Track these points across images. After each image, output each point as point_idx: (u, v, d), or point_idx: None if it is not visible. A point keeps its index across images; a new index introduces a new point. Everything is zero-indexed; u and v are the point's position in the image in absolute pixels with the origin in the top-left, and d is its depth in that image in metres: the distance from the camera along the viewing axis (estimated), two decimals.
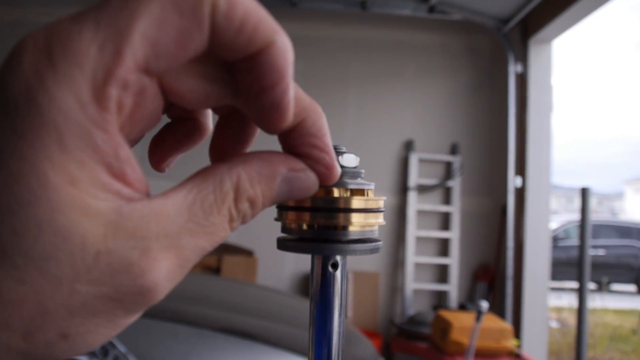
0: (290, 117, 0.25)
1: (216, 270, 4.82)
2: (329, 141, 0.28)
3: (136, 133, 0.24)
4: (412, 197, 4.95)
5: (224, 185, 0.24)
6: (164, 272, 0.23)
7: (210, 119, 0.31)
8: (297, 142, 0.27)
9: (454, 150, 5.05)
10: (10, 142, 0.20)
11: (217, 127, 0.31)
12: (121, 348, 1.77)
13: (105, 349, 1.74)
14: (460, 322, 3.28)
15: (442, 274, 5.03)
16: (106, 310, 0.22)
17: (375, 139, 5.04)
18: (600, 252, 10.71)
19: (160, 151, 0.31)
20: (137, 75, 0.22)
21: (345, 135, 4.99)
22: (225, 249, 4.90)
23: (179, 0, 0.22)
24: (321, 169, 0.28)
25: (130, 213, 0.22)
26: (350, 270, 4.88)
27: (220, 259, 4.82)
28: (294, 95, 0.25)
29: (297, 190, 0.27)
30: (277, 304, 2.97)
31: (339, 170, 0.29)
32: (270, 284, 4.48)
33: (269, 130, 0.26)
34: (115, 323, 0.23)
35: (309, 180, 0.28)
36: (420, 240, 4.97)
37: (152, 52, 0.21)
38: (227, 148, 0.30)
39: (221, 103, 0.26)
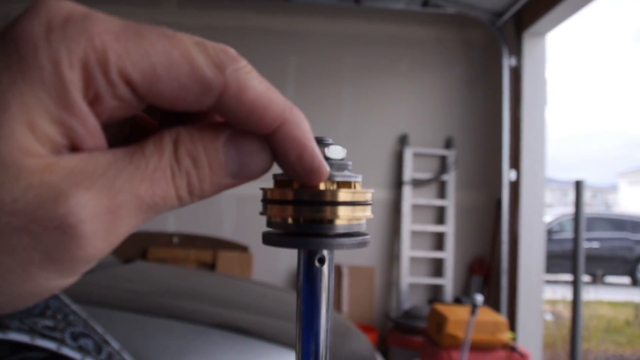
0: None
1: (211, 266, 4.81)
2: (312, 144, 0.27)
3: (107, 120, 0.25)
4: (407, 192, 4.95)
5: (163, 138, 0.25)
6: (90, 210, 0.22)
7: None
8: (279, 151, 0.27)
9: (448, 144, 5.05)
10: None
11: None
12: (115, 345, 1.76)
13: (98, 346, 1.73)
14: (456, 315, 3.29)
15: (437, 267, 5.04)
16: (22, 249, 0.22)
17: (370, 133, 5.03)
18: (595, 244, 10.76)
19: None
20: (122, 82, 0.23)
21: (340, 130, 4.98)
22: (221, 245, 4.90)
23: (198, 68, 0.24)
24: (307, 173, 0.28)
25: (70, 158, 0.23)
26: (346, 265, 4.89)
27: (216, 255, 4.81)
28: (274, 101, 0.25)
29: (246, 153, 0.26)
30: (273, 299, 2.97)
31: (326, 169, 0.28)
32: (266, 279, 4.48)
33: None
34: (29, 274, 0.22)
35: (256, 140, 0.26)
36: (415, 234, 4.98)
37: (147, 83, 0.23)
38: None
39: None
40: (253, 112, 0.25)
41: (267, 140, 0.26)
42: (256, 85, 0.25)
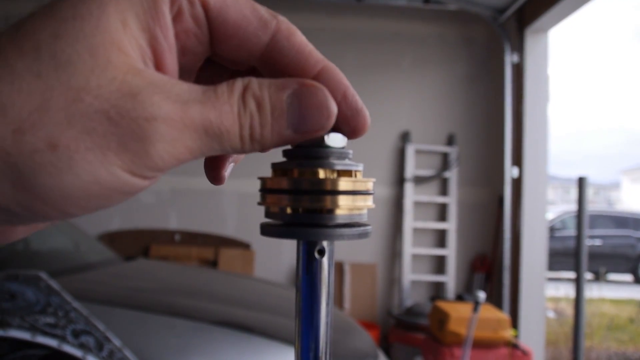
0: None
1: (213, 263, 4.81)
2: (351, 87, 0.30)
3: (181, 58, 0.29)
4: (409, 189, 4.94)
5: (236, 81, 0.27)
6: (164, 112, 0.25)
7: None
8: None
9: (450, 141, 5.04)
10: None
11: None
12: (116, 342, 1.76)
13: (100, 343, 1.73)
14: (458, 312, 3.28)
15: (439, 265, 5.03)
16: (101, 131, 0.24)
17: (372, 130, 5.01)
18: (597, 242, 10.74)
19: (216, 160, 0.33)
20: (199, 2, 0.27)
21: None
22: (223, 242, 4.90)
23: (258, 9, 0.28)
24: (354, 114, 0.30)
25: (152, 73, 0.25)
26: (348, 262, 4.88)
27: (218, 252, 4.81)
28: (314, 49, 0.30)
29: (308, 105, 0.28)
30: (275, 296, 2.96)
31: (368, 114, 0.30)
32: (268, 276, 4.47)
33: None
34: (106, 157, 0.24)
35: (320, 94, 0.28)
36: (417, 231, 4.97)
37: (218, 6, 0.28)
38: None
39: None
40: (300, 53, 0.29)
41: None
42: (301, 35, 0.29)
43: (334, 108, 0.28)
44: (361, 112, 0.30)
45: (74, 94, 0.23)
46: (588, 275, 9.27)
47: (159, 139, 0.24)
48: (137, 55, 0.25)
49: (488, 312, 3.30)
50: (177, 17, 0.27)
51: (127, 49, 0.25)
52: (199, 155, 0.26)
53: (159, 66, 0.27)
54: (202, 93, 0.26)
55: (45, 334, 1.72)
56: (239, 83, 0.27)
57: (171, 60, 0.27)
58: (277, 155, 0.31)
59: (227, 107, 0.26)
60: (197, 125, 0.25)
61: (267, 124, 0.27)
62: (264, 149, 0.28)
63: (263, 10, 0.28)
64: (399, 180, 5.00)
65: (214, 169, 0.34)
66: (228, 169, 0.34)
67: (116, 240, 4.81)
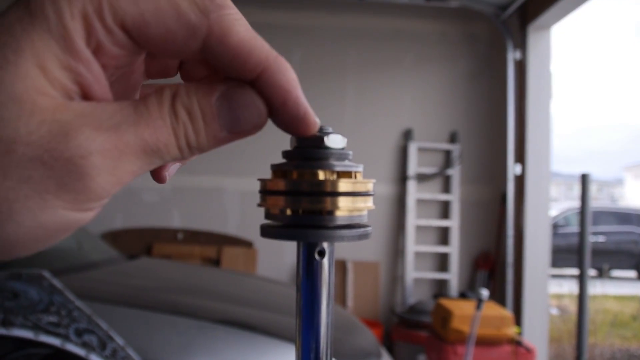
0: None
1: (216, 262, 4.81)
2: (297, 91, 0.28)
3: (113, 76, 0.28)
4: (412, 186, 4.93)
5: (164, 91, 0.27)
6: (98, 145, 0.24)
7: None
8: (265, 99, 0.28)
9: (453, 138, 5.03)
10: (11, 23, 0.25)
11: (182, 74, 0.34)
12: (119, 341, 1.76)
13: (103, 342, 1.73)
14: (461, 310, 3.28)
15: (442, 262, 5.03)
16: (38, 178, 0.24)
17: (374, 128, 5.02)
18: (600, 238, 10.71)
19: None
20: (117, 28, 0.25)
21: (344, 125, 4.96)
22: (225, 241, 4.90)
23: (183, 13, 0.26)
24: (293, 121, 0.28)
25: (79, 103, 0.25)
26: (350, 260, 4.88)
27: (220, 251, 4.81)
28: (257, 47, 0.27)
29: (237, 106, 0.27)
30: (277, 294, 2.96)
31: (315, 119, 0.28)
32: (270, 274, 4.47)
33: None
34: (46, 202, 0.24)
35: (247, 94, 0.27)
36: (420, 229, 4.97)
37: (137, 27, 0.25)
38: None
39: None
40: (236, 56, 0.26)
41: (254, 88, 0.28)
42: (240, 31, 0.26)
43: (262, 106, 0.27)
44: (302, 120, 0.28)
45: (5, 146, 0.23)
46: (591, 272, 9.26)
47: (98, 173, 0.24)
48: (61, 95, 0.25)
49: (491, 309, 3.30)
50: (98, 49, 0.26)
51: (50, 92, 0.24)
52: (142, 173, 0.26)
53: (88, 98, 0.26)
54: (134, 111, 0.25)
55: (48, 332, 1.73)
56: (167, 93, 0.26)
57: (101, 89, 0.26)
58: (277, 154, 0.31)
59: (159, 121, 0.26)
60: (134, 148, 0.25)
61: (201, 130, 0.27)
62: (203, 152, 0.28)
63: (190, 10, 0.26)
64: (402, 178, 5.00)
65: (155, 170, 0.33)
66: (171, 170, 0.34)
67: (119, 239, 4.82)
